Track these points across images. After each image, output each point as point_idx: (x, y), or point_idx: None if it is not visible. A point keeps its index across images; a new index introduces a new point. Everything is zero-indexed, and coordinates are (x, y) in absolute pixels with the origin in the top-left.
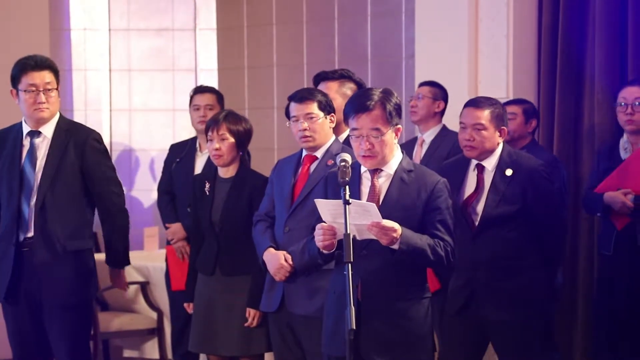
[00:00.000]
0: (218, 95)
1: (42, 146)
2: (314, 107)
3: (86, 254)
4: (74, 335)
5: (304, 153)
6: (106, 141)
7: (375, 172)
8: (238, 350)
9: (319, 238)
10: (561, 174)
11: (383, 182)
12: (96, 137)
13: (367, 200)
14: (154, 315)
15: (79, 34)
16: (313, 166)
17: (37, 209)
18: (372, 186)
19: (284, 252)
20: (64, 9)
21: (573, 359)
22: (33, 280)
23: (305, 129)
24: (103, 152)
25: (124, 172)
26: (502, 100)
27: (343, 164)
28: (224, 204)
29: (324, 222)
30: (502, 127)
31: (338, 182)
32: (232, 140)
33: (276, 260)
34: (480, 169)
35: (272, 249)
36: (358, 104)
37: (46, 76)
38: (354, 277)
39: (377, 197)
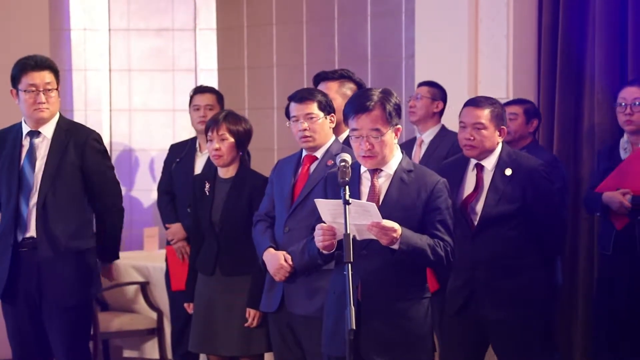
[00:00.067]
0: (218, 96)
1: (42, 146)
2: (314, 107)
3: (88, 253)
4: (73, 335)
5: (304, 153)
6: (106, 141)
7: (375, 172)
8: (238, 350)
9: (319, 238)
10: (562, 174)
11: (383, 182)
12: (96, 137)
13: (367, 201)
14: (154, 315)
15: (79, 34)
16: (313, 166)
17: (38, 209)
18: (372, 186)
19: (284, 252)
20: (64, 9)
21: (573, 359)
22: (32, 280)
23: (305, 129)
24: (103, 152)
25: (123, 172)
26: (502, 101)
27: (343, 164)
28: (224, 204)
29: (324, 222)
30: (502, 127)
31: (338, 182)
32: (232, 140)
33: (276, 261)
34: (480, 168)
35: (272, 249)
36: (358, 105)
37: (46, 76)
38: (354, 277)
39: (377, 197)
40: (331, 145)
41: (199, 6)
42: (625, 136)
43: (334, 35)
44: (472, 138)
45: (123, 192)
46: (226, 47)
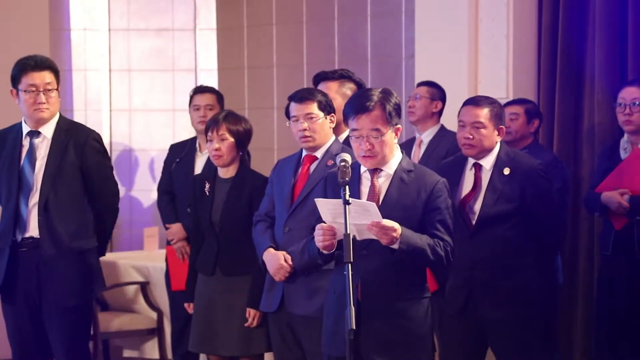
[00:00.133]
0: (218, 96)
1: (42, 146)
2: (314, 107)
3: (89, 253)
4: (73, 335)
5: (304, 153)
6: (106, 141)
7: (375, 172)
8: (238, 350)
9: (319, 238)
10: (563, 173)
11: (383, 182)
12: (96, 137)
13: (367, 200)
14: (154, 315)
15: (79, 34)
16: (313, 166)
17: (40, 210)
18: (372, 186)
19: (284, 253)
20: (64, 9)
21: (573, 359)
22: (32, 280)
23: (305, 129)
24: (103, 153)
25: (123, 172)
26: (502, 101)
27: (343, 164)
28: (224, 204)
29: (324, 222)
30: (501, 126)
31: (338, 182)
32: (231, 140)
33: (276, 261)
34: (478, 167)
35: (271, 249)
36: (357, 105)
37: (46, 76)
38: (354, 277)
39: (377, 197)
40: (331, 145)
41: (199, 6)
42: (626, 136)
43: (334, 35)
44: (471, 137)
45: (123, 192)
46: (226, 47)
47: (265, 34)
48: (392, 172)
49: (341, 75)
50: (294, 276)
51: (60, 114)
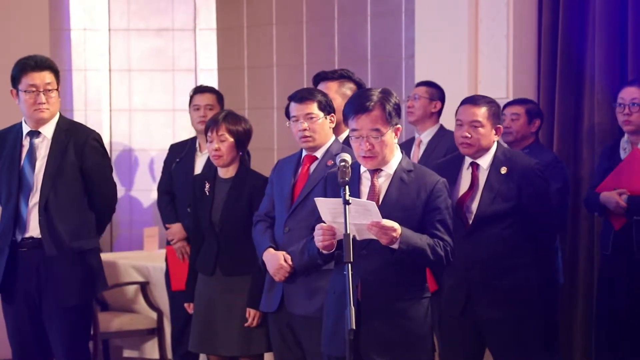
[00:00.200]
0: (218, 95)
1: (42, 146)
2: (314, 107)
3: (90, 253)
4: (73, 335)
5: (304, 153)
6: (106, 141)
7: (375, 172)
8: (238, 350)
9: (319, 238)
10: (563, 174)
11: (383, 182)
12: (96, 137)
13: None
14: (154, 315)
15: (79, 34)
16: (313, 166)
17: (40, 210)
18: (372, 186)
19: (284, 253)
20: (64, 9)
21: (573, 359)
22: (32, 280)
23: (305, 129)
24: (102, 153)
25: (123, 172)
26: (503, 101)
27: (343, 164)
28: (224, 204)
29: (324, 222)
30: (498, 126)
31: (338, 182)
32: (231, 140)
33: (276, 261)
34: (475, 167)
35: (271, 249)
36: (357, 105)
37: (46, 76)
38: (354, 277)
39: (377, 197)
40: (331, 145)
41: (199, 6)
42: (626, 136)
43: (334, 35)
44: (469, 136)
45: (123, 192)
46: (226, 47)
47: (265, 34)
48: (392, 172)
49: (341, 75)
50: (293, 276)
51: (60, 114)
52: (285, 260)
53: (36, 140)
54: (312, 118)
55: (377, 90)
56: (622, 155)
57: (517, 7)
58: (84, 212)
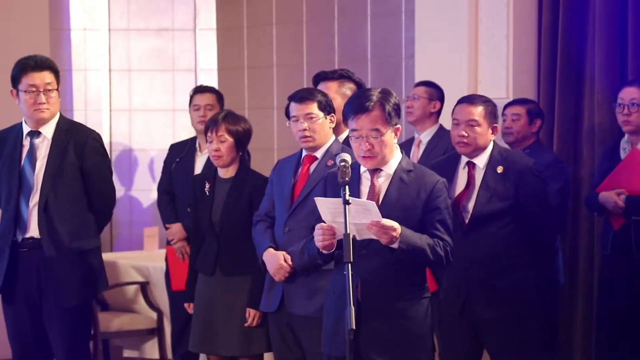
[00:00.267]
0: (218, 95)
1: (42, 146)
2: (314, 107)
3: (90, 254)
4: (73, 335)
5: (304, 153)
6: (106, 141)
7: (374, 172)
8: (238, 350)
9: (319, 238)
10: (564, 174)
11: (382, 182)
12: (96, 137)
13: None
14: (154, 315)
15: (79, 34)
16: (313, 166)
17: (40, 210)
18: (372, 186)
19: (284, 253)
20: (64, 9)
21: (573, 359)
22: (32, 280)
23: (305, 129)
24: (102, 153)
25: (123, 172)
26: (503, 101)
27: (343, 164)
28: (224, 204)
29: (324, 222)
30: (495, 125)
31: (338, 182)
32: (231, 140)
33: (276, 261)
34: (471, 166)
35: (271, 249)
36: (357, 105)
37: (46, 76)
38: (354, 277)
39: (377, 197)
40: (331, 145)
41: (199, 6)
42: (626, 136)
43: (334, 35)
44: (465, 135)
45: (123, 192)
46: (226, 47)
47: (265, 34)
48: (391, 172)
49: (341, 75)
50: (293, 276)
51: (60, 114)
52: (285, 260)
53: (36, 141)
54: (312, 118)
55: (377, 90)
56: (622, 155)
57: (517, 7)
58: (84, 212)
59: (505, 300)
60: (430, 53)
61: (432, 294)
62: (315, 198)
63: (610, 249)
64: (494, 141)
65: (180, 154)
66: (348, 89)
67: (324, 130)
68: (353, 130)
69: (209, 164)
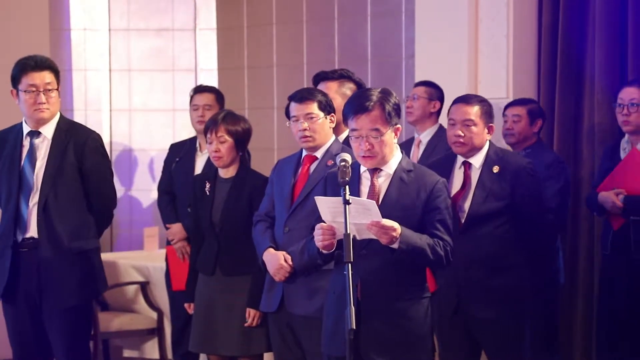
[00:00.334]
0: (217, 95)
1: (42, 147)
2: (314, 107)
3: (90, 254)
4: (73, 335)
5: (304, 153)
6: (106, 141)
7: (374, 171)
8: (238, 350)
9: (319, 238)
10: (565, 174)
11: (382, 182)
12: (96, 138)
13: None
14: (154, 315)
15: (79, 34)
16: (313, 166)
17: (39, 210)
18: (372, 186)
19: (284, 253)
20: (64, 9)
21: (573, 359)
22: (32, 280)
23: (305, 129)
24: (102, 154)
25: (123, 172)
26: (503, 101)
27: (343, 164)
28: (224, 204)
29: (324, 222)
30: (491, 124)
31: (338, 182)
32: (231, 141)
33: (276, 261)
34: (467, 166)
35: (271, 249)
36: (357, 105)
37: (46, 76)
38: (354, 277)
39: (377, 196)
40: (331, 145)
41: (199, 6)
42: (626, 136)
43: (334, 35)
44: (462, 135)
45: (123, 192)
46: (226, 47)
47: (265, 34)
48: (391, 172)
49: (341, 75)
50: (293, 276)
51: (60, 114)
52: (285, 260)
53: (36, 141)
54: (312, 118)
55: (377, 90)
56: (622, 155)
57: (517, 7)
58: (84, 212)
59: (500, 300)
60: (430, 53)
61: (432, 294)
62: (316, 197)
63: (610, 249)
64: (490, 141)
65: (180, 154)
66: (348, 89)
67: (324, 130)
68: (353, 130)
69: (209, 163)
